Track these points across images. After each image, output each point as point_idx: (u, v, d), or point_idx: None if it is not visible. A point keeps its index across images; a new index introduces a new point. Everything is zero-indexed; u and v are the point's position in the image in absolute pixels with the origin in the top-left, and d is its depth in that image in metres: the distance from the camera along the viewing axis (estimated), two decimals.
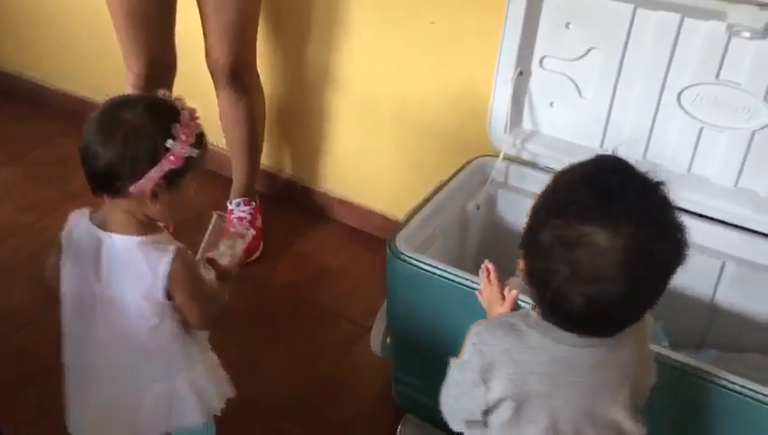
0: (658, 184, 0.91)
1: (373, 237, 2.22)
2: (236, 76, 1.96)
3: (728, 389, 1.19)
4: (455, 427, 1.12)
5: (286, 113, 2.26)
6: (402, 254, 1.46)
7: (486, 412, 1.03)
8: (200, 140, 1.17)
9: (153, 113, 1.13)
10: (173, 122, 1.12)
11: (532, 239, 0.92)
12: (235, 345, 1.85)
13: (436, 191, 1.66)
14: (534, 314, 0.98)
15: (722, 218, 1.54)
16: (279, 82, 2.21)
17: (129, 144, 1.10)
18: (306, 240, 2.27)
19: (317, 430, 1.70)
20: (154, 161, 1.11)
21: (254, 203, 2.18)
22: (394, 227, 1.57)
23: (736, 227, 1.54)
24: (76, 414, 1.33)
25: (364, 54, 2.03)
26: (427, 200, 1.62)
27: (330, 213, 2.32)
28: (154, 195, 1.14)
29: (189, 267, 1.20)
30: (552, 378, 0.96)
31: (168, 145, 1.11)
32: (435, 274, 1.43)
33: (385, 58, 2.00)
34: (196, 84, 1.92)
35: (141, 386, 1.28)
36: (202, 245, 1.35)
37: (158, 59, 1.93)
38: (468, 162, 1.75)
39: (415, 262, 1.45)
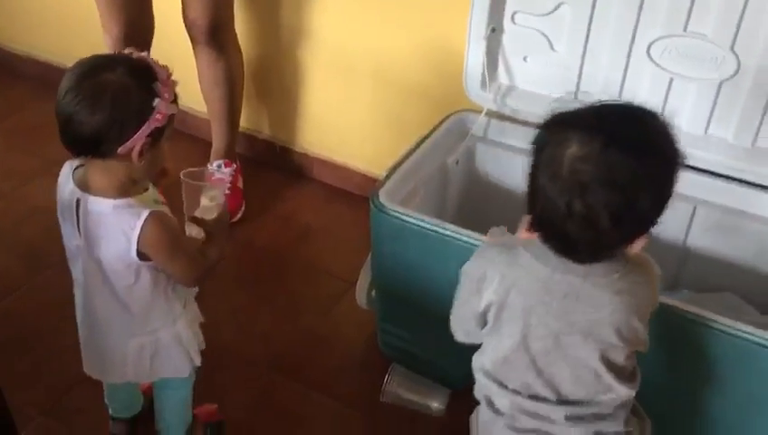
0: (654, 114, 0.95)
1: (353, 195, 2.26)
2: (214, 36, 1.97)
3: (699, 323, 1.27)
4: (459, 338, 1.20)
5: (262, 74, 2.27)
6: (386, 208, 1.50)
7: (479, 322, 1.11)
8: (176, 97, 1.20)
9: (135, 74, 1.15)
10: (154, 81, 1.15)
11: (535, 139, 0.96)
12: (221, 304, 1.89)
13: (416, 147, 1.69)
14: (536, 241, 1.02)
15: (693, 165, 1.60)
16: (254, 43, 2.22)
17: (117, 106, 1.12)
18: (287, 200, 2.30)
19: (306, 382, 1.75)
20: (142, 121, 1.14)
21: (234, 164, 2.20)
22: (373, 184, 1.61)
23: (707, 172, 1.60)
24: (85, 355, 1.41)
25: (338, 13, 2.04)
26: (407, 156, 1.66)
27: (309, 172, 2.35)
28: (141, 154, 1.17)
29: (165, 229, 1.22)
30: (529, 295, 1.02)
31: (153, 104, 1.13)
32: (418, 226, 1.48)
33: (359, 16, 2.01)
34: (174, 46, 1.92)
35: (124, 338, 1.34)
36: (184, 209, 1.39)
37: (136, 21, 1.93)
38: (446, 118, 1.79)
39: (398, 215, 1.49)
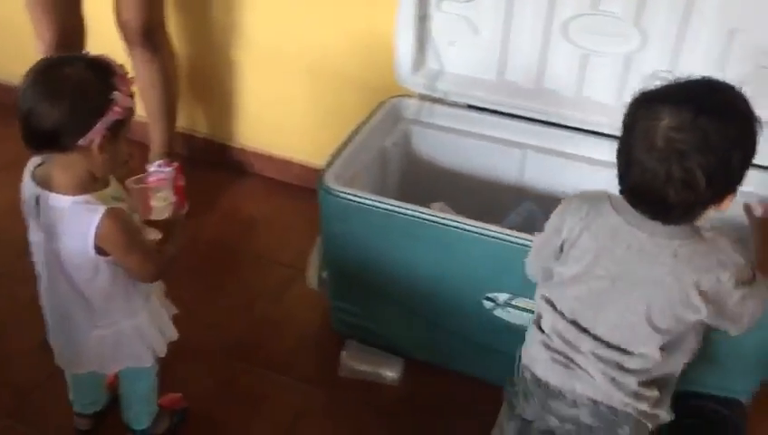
0: (731, 85, 1.05)
1: (294, 187, 2.34)
2: (148, 36, 2.01)
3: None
4: (536, 280, 1.30)
5: (197, 74, 2.32)
6: (333, 189, 1.59)
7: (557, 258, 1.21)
8: (132, 94, 1.25)
9: (94, 68, 1.20)
10: (112, 75, 1.20)
11: (626, 116, 1.08)
12: (175, 299, 1.93)
13: (355, 133, 1.78)
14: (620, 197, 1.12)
15: (610, 133, 1.74)
16: (187, 42, 2.27)
17: (77, 99, 1.17)
18: (229, 195, 2.35)
19: (265, 365, 1.82)
20: (101, 113, 1.19)
21: (175, 163, 2.24)
22: (313, 175, 1.69)
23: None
24: (54, 346, 1.45)
25: (270, 10, 2.12)
26: (347, 142, 1.75)
27: (249, 167, 2.41)
28: (101, 147, 1.21)
29: (122, 226, 1.27)
30: (598, 238, 1.13)
31: (112, 97, 1.19)
32: (364, 204, 1.57)
33: (290, 12, 2.09)
34: (108, 50, 1.95)
35: (85, 330, 1.38)
36: (138, 214, 1.41)
37: (68, 25, 1.95)
38: (381, 104, 1.88)
39: (345, 195, 1.58)
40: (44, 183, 1.27)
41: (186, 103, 2.33)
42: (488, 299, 1.58)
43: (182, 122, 2.35)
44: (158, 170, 2.20)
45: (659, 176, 1.00)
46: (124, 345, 1.42)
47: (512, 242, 1.48)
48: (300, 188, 2.30)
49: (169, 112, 2.19)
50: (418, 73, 1.85)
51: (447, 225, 1.52)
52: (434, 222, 1.53)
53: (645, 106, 1.04)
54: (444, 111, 1.89)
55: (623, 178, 1.07)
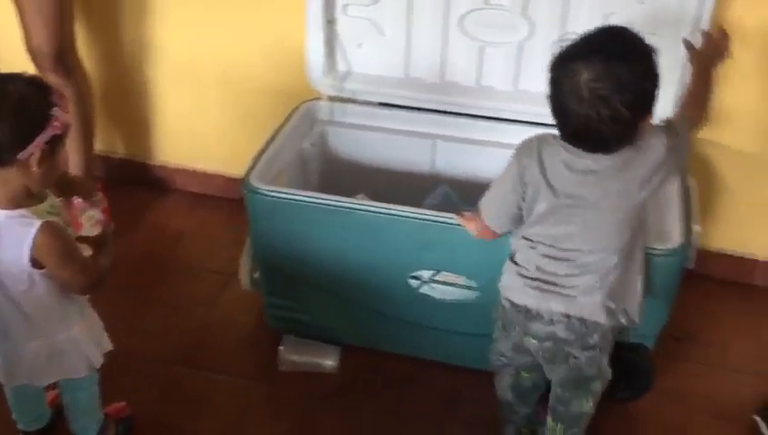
0: (624, 27, 1.24)
1: (216, 198, 2.40)
2: (60, 60, 2.03)
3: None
4: (500, 230, 1.45)
5: (110, 93, 2.35)
6: (258, 189, 1.67)
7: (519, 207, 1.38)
8: (68, 109, 1.31)
9: (33, 85, 1.26)
10: (51, 93, 1.26)
11: (549, 77, 1.25)
12: (110, 313, 1.95)
13: (273, 138, 1.87)
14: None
15: (509, 117, 1.89)
16: (98, 62, 2.30)
17: (18, 113, 1.22)
18: (154, 213, 2.39)
19: (204, 368, 1.88)
20: (41, 128, 1.24)
21: (96, 185, 2.27)
22: (235, 185, 1.75)
23: (521, 122, 1.89)
24: None
25: (180, 24, 2.18)
26: (266, 146, 1.83)
27: (171, 183, 2.46)
28: (39, 162, 1.26)
29: (58, 239, 1.31)
30: (555, 172, 1.31)
31: (52, 112, 1.24)
32: (289, 199, 1.66)
33: (201, 25, 2.16)
34: None
35: (21, 341, 1.42)
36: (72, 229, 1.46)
37: None
38: (295, 108, 1.98)
39: (270, 193, 1.67)
40: None
41: (101, 125, 2.35)
42: (413, 278, 1.69)
43: (99, 145, 2.37)
44: None
45: (592, 118, 1.20)
46: (59, 358, 1.45)
47: (431, 221, 1.60)
48: (223, 199, 2.36)
49: (87, 134, 2.21)
50: (329, 76, 1.95)
51: (369, 211, 1.63)
52: (356, 209, 1.64)
53: (563, 66, 1.23)
54: (356, 109, 2.00)
55: (562, 126, 1.27)
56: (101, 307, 1.54)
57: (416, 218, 1.61)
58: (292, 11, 1.94)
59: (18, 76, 1.28)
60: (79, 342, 1.46)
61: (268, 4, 2.05)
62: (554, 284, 1.38)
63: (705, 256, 1.98)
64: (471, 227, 1.52)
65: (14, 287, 1.35)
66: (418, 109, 1.96)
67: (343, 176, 2.04)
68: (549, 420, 1.55)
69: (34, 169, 1.27)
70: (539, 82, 1.84)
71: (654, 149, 1.30)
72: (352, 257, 1.71)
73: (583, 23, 1.73)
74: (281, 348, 1.87)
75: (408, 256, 1.67)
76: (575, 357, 1.42)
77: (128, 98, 2.36)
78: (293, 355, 1.87)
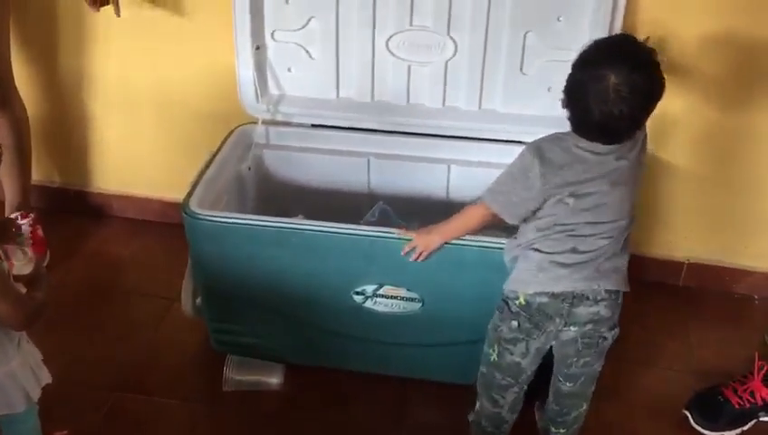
0: (648, 49, 1.37)
1: (156, 223, 2.40)
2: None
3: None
4: (515, 221, 1.49)
5: (46, 122, 2.34)
6: (198, 214, 1.69)
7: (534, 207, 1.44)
8: None
9: None
10: None
11: (573, 79, 1.38)
12: (49, 342, 1.93)
13: (210, 162, 1.89)
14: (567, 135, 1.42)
15: (439, 133, 1.96)
16: (35, 93, 2.29)
17: None
18: (93, 240, 2.39)
19: (149, 392, 1.89)
20: None
21: (32, 214, 2.25)
22: (173, 209, 1.76)
23: (451, 137, 1.97)
24: None
25: (115, 53, 2.19)
26: (204, 171, 1.85)
27: (109, 210, 2.46)
28: None
29: None
30: (574, 165, 1.40)
31: None
32: (229, 223, 1.69)
33: (136, 53, 2.17)
34: None
35: None
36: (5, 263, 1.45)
37: None
38: (231, 133, 2.01)
39: (210, 218, 1.69)
40: None
41: (38, 155, 2.33)
42: (357, 293, 1.73)
43: (36, 174, 2.35)
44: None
45: (614, 116, 1.33)
46: None
47: (371, 236, 1.64)
48: (162, 225, 2.37)
49: (24, 165, 2.20)
50: (262, 100, 1.99)
51: (310, 230, 1.67)
52: (297, 229, 1.67)
53: (590, 71, 1.36)
54: (291, 132, 2.04)
55: (584, 122, 1.38)
56: (41, 337, 1.54)
57: (356, 235, 1.65)
58: (223, 37, 1.97)
59: None
60: (16, 376, 1.45)
61: (201, 32, 2.08)
62: (593, 261, 1.44)
63: (636, 260, 2.07)
64: (421, 242, 1.59)
65: None
66: (351, 129, 2.01)
67: (281, 197, 2.07)
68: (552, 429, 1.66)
69: None
70: (465, 98, 1.96)
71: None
72: (295, 277, 1.73)
73: (505, 39, 1.85)
74: (225, 369, 1.89)
75: (351, 273, 1.71)
76: (604, 338, 1.50)
77: (63, 126, 2.35)
78: (239, 375, 1.89)
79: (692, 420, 1.83)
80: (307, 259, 1.70)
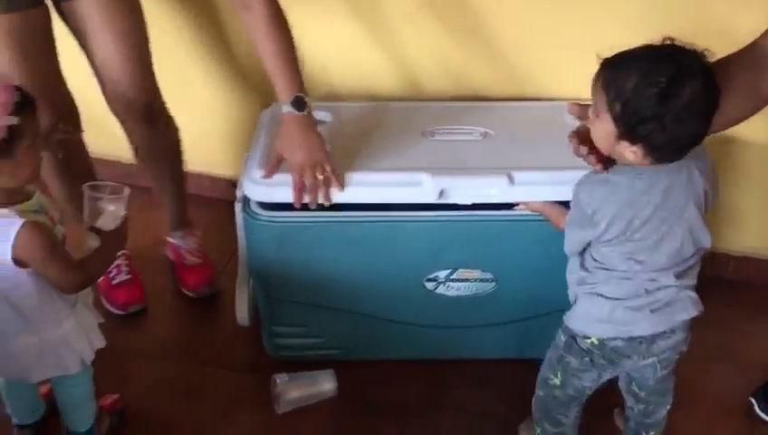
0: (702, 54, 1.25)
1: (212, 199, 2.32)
2: (153, 109, 1.82)
3: None
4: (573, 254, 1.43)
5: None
6: (261, 215, 1.60)
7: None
8: (21, 108, 1.27)
9: None
10: None
11: (654, 101, 1.21)
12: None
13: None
14: (618, 166, 1.31)
15: None
16: None
17: None
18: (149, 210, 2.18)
19: (199, 361, 1.89)
20: None
21: (196, 232, 2.13)
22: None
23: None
24: None
25: None
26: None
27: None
28: None
29: (38, 238, 1.31)
30: (632, 201, 1.30)
31: None
32: (301, 223, 1.59)
33: None
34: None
35: (9, 336, 1.41)
36: (84, 217, 1.45)
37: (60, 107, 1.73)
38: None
39: (279, 219, 1.60)
40: None
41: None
42: (430, 280, 1.68)
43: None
44: (185, 244, 2.10)
45: (692, 128, 1.24)
46: (49, 354, 1.45)
47: (444, 221, 1.59)
48: (217, 201, 2.29)
49: (184, 180, 2.04)
50: None
51: (380, 220, 1.60)
52: (367, 221, 1.60)
53: (666, 92, 1.21)
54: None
55: (660, 144, 1.24)
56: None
57: (428, 221, 1.59)
58: None
59: None
60: (70, 338, 1.45)
61: None
62: (667, 297, 1.37)
63: None
64: (546, 209, 1.54)
65: (2, 284, 1.34)
66: None
67: None
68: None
69: None
70: None
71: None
72: (365, 271, 1.67)
73: None
74: (273, 390, 1.77)
75: (424, 260, 1.65)
76: (681, 353, 1.46)
77: None
78: (291, 394, 1.76)
79: (757, 408, 1.81)
80: (379, 250, 1.64)
